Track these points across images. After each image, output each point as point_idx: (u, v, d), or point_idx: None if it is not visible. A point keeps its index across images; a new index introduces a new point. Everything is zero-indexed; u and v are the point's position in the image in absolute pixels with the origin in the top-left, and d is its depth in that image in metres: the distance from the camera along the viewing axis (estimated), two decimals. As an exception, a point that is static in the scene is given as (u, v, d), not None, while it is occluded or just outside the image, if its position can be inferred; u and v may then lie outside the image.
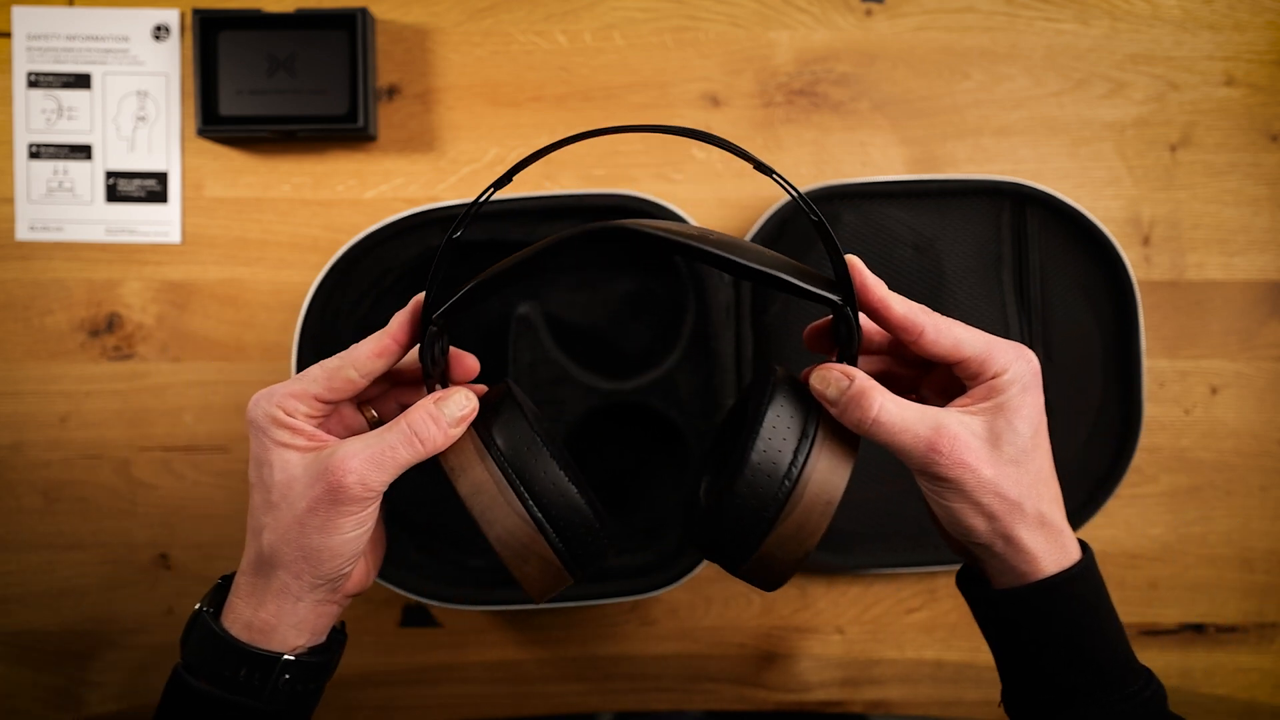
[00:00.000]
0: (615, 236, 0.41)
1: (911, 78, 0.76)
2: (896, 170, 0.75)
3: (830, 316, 0.45)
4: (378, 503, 0.42)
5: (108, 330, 0.74)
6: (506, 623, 0.76)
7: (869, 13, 0.75)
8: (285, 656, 0.42)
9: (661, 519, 0.72)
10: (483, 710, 0.76)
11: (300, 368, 0.69)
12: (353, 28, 0.71)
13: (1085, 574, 0.43)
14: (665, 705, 0.76)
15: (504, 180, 0.42)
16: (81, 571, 0.74)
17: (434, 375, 0.44)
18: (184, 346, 0.74)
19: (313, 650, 0.44)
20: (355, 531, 0.42)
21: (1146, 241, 0.76)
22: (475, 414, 0.43)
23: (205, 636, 0.43)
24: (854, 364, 0.44)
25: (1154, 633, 0.77)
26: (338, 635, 0.47)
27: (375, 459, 0.41)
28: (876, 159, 0.75)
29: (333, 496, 0.41)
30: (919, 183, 0.71)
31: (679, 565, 0.70)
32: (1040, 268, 0.72)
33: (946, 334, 0.43)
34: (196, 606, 0.45)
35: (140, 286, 0.74)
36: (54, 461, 0.74)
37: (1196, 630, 0.77)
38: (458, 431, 0.43)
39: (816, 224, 0.42)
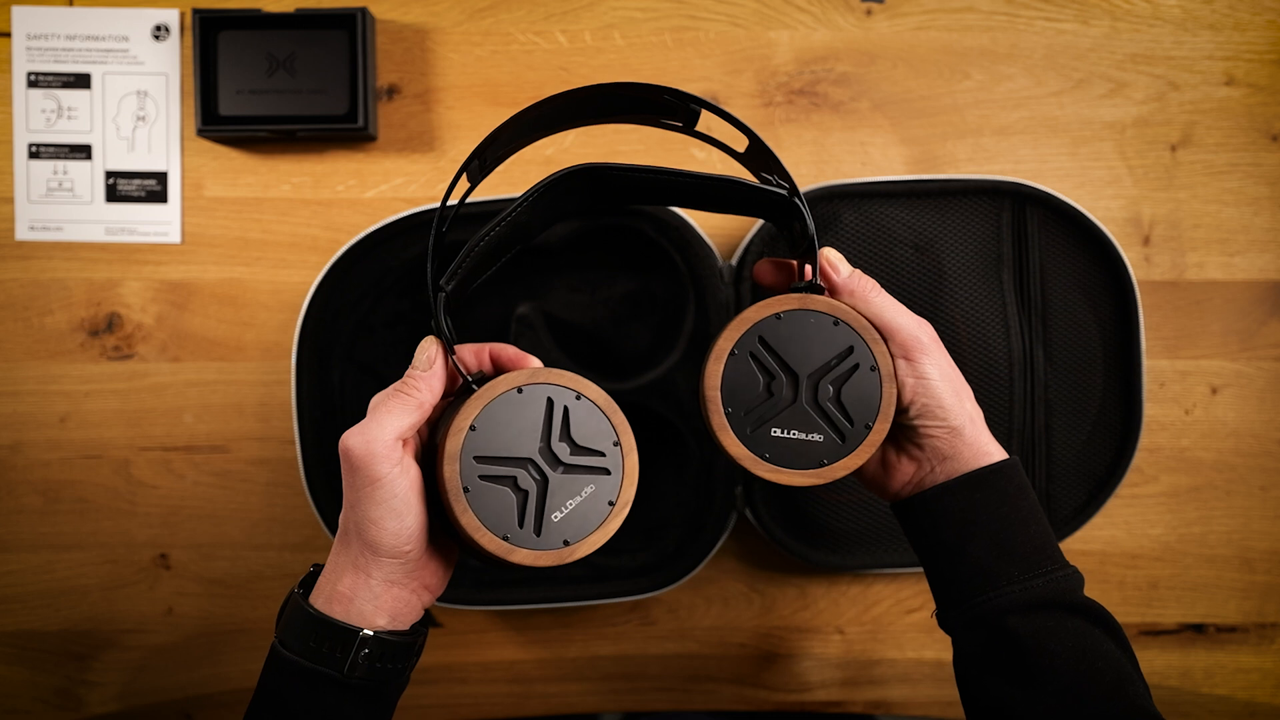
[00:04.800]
0: (576, 177, 0.47)
1: (911, 78, 0.75)
2: (896, 170, 0.75)
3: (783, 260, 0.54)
4: (399, 466, 0.45)
5: (107, 330, 0.74)
6: (506, 623, 0.76)
7: (869, 13, 0.75)
8: (364, 632, 0.45)
9: (661, 519, 0.72)
10: (483, 710, 0.76)
11: (300, 367, 0.69)
12: (352, 28, 0.71)
13: (1019, 467, 0.51)
14: (665, 705, 0.76)
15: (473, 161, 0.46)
16: (81, 571, 0.74)
17: (448, 341, 0.47)
18: (184, 346, 0.74)
19: (393, 631, 0.47)
20: (388, 502, 0.45)
21: (1147, 241, 0.76)
22: (439, 349, 0.47)
23: (295, 612, 0.47)
24: (814, 261, 0.50)
25: (1154, 633, 0.77)
26: (420, 625, 0.50)
27: (372, 419, 0.45)
28: (876, 159, 0.75)
29: (349, 464, 0.45)
30: (919, 183, 0.71)
31: (679, 565, 0.70)
32: (1040, 268, 0.72)
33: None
34: (292, 588, 0.49)
35: (140, 286, 0.74)
36: (54, 461, 0.74)
37: (1196, 630, 0.77)
38: (435, 371, 0.47)
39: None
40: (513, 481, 0.46)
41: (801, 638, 0.77)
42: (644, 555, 0.72)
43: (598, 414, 0.48)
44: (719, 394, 0.49)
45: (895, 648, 0.76)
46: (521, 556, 0.46)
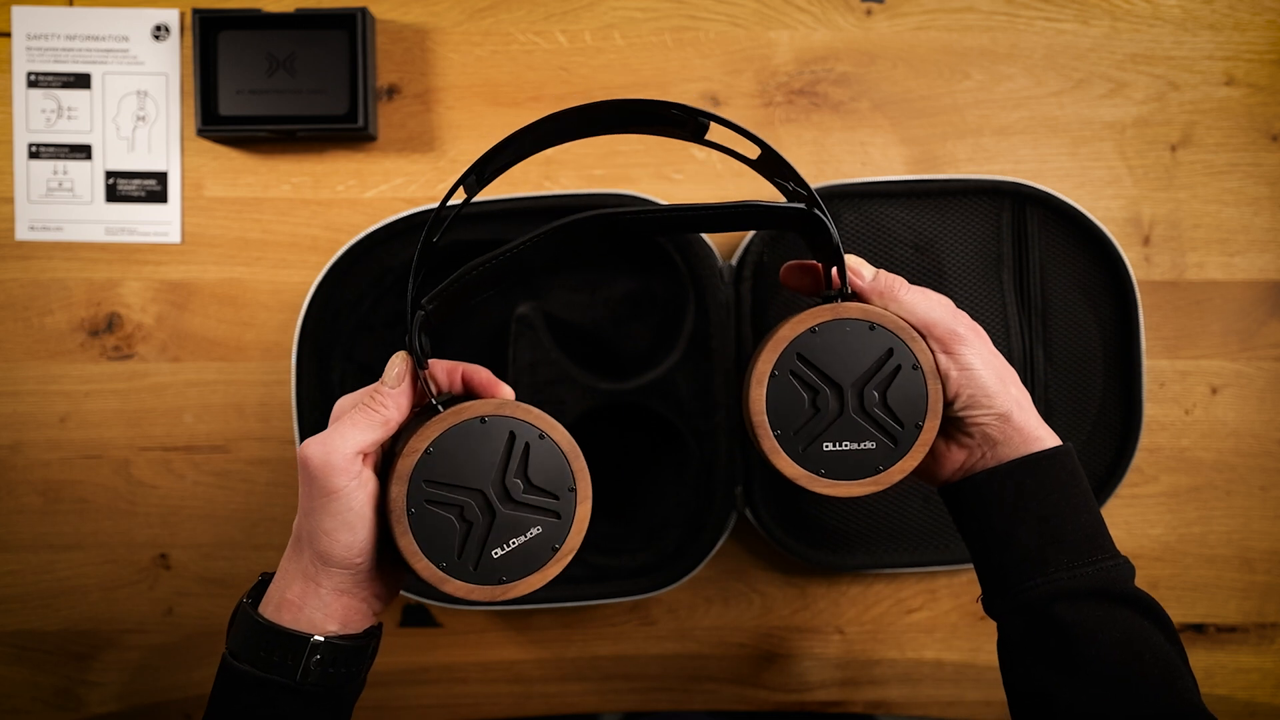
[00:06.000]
0: (590, 224, 0.46)
1: (911, 78, 0.75)
2: (896, 170, 0.75)
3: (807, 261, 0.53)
4: (356, 480, 0.44)
5: (107, 330, 0.74)
6: (506, 623, 0.76)
7: (869, 13, 0.75)
8: (315, 638, 0.45)
9: (662, 519, 0.72)
10: (483, 710, 0.76)
11: (300, 368, 0.69)
12: (352, 28, 0.71)
13: (1072, 454, 0.50)
14: (665, 705, 0.76)
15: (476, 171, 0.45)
16: (81, 571, 0.74)
17: (421, 358, 0.47)
18: (184, 346, 0.74)
19: (344, 636, 0.47)
20: (343, 515, 0.44)
21: (1146, 241, 0.76)
22: (408, 366, 0.47)
23: (245, 622, 0.47)
24: (843, 271, 0.49)
25: (1154, 633, 0.77)
26: (373, 628, 0.49)
27: (335, 430, 0.45)
28: (876, 159, 0.75)
29: (306, 474, 0.45)
30: (919, 183, 0.71)
31: (679, 565, 0.70)
32: (1040, 268, 0.72)
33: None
34: (241, 598, 0.49)
35: (140, 286, 0.74)
36: (54, 461, 0.74)
37: (1196, 630, 0.77)
38: (403, 389, 0.46)
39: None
40: (459, 511, 0.45)
41: (801, 638, 0.77)
42: (644, 555, 0.72)
43: (559, 456, 0.47)
44: (765, 418, 0.48)
45: (895, 648, 0.76)
46: (454, 588, 0.45)
